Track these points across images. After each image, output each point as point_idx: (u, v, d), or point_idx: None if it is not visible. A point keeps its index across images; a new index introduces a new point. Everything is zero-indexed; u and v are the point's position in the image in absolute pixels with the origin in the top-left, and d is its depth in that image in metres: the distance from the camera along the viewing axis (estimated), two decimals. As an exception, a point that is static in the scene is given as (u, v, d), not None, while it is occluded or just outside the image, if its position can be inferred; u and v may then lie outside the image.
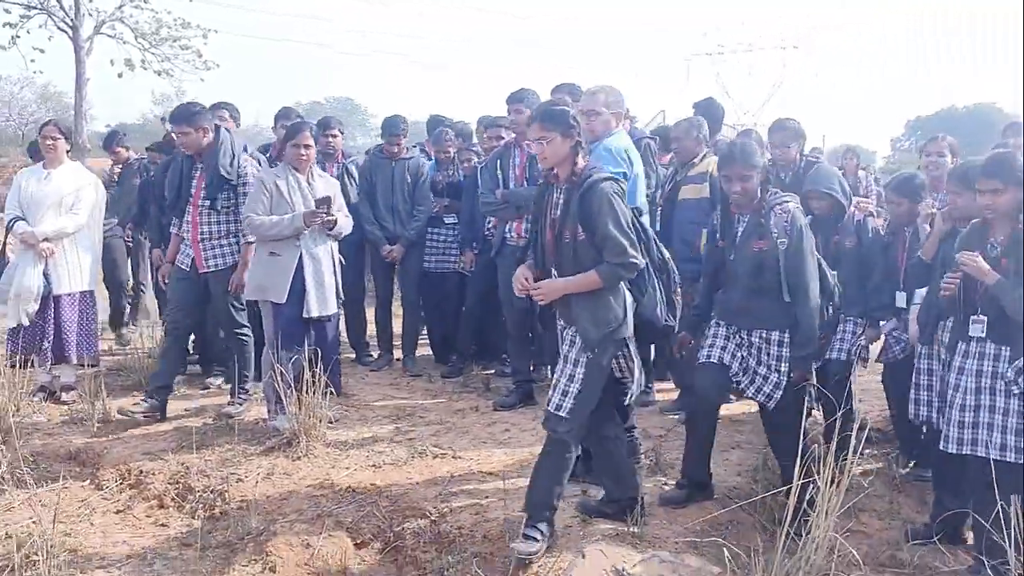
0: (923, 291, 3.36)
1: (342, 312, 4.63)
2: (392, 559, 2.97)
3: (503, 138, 4.66)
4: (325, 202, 3.84)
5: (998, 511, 2.50)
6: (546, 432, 2.78)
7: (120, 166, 6.20)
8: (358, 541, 3.04)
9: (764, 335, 3.04)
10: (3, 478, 3.39)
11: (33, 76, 23.46)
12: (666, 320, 2.81)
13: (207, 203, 4.02)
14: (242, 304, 4.19)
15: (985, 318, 2.81)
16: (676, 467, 3.35)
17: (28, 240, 4.34)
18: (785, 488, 2.63)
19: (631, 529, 2.84)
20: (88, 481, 3.55)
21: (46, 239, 4.35)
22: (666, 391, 4.67)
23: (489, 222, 4.76)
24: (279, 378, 3.65)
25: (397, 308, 5.41)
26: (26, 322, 4.32)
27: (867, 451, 3.77)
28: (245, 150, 4.19)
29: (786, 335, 3.01)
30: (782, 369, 3.01)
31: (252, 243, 4.02)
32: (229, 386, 4.42)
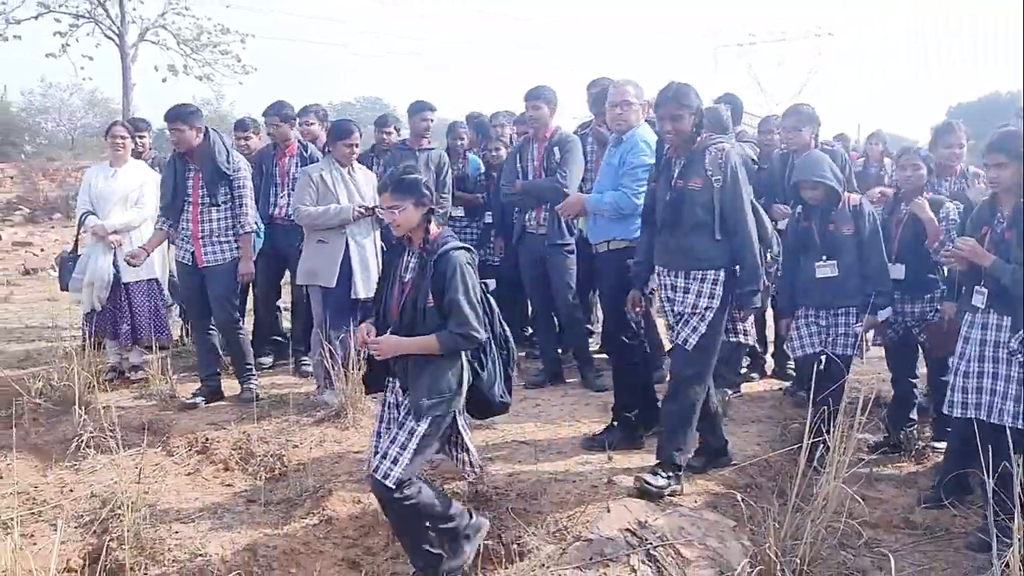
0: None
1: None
2: (435, 515, 3.27)
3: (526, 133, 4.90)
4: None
5: (1002, 472, 2.60)
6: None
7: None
8: (404, 500, 3.35)
9: (698, 275, 3.07)
10: (87, 445, 3.79)
11: (82, 83, 24.48)
12: (501, 397, 2.76)
13: (207, 199, 4.24)
14: (239, 299, 4.45)
15: (987, 290, 2.97)
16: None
17: (98, 232, 4.74)
18: (796, 446, 2.84)
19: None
20: (160, 448, 3.92)
21: (115, 231, 4.75)
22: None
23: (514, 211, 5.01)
24: (328, 356, 3.99)
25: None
26: (99, 307, 4.73)
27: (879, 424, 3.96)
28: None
29: (720, 274, 3.05)
30: (714, 305, 3.04)
31: (249, 233, 4.31)
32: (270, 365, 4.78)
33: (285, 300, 5.44)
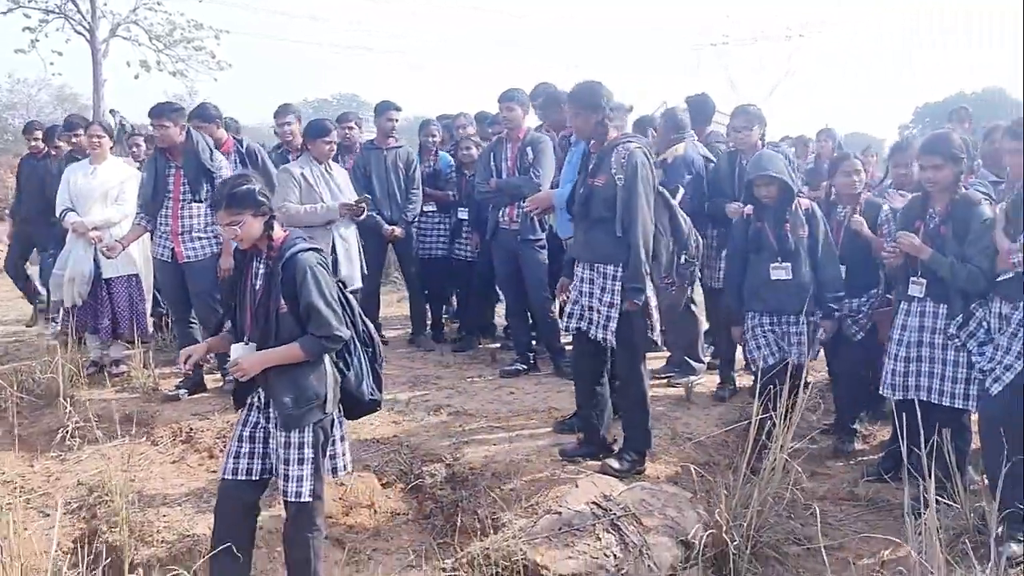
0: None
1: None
2: (413, 495, 3.46)
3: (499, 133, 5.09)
4: (365, 200, 4.39)
5: (934, 446, 2.83)
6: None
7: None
8: (384, 481, 3.53)
9: (601, 269, 3.21)
10: (73, 436, 3.89)
11: (50, 78, 23.99)
12: (371, 395, 2.71)
13: (189, 196, 4.35)
14: (219, 295, 4.48)
15: (924, 281, 3.23)
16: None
17: (78, 229, 4.82)
18: (747, 422, 3.08)
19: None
20: (145, 438, 4.03)
21: (95, 228, 4.83)
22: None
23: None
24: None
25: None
26: (79, 303, 4.80)
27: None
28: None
29: (619, 270, 3.17)
30: (615, 302, 3.17)
31: None
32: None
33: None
